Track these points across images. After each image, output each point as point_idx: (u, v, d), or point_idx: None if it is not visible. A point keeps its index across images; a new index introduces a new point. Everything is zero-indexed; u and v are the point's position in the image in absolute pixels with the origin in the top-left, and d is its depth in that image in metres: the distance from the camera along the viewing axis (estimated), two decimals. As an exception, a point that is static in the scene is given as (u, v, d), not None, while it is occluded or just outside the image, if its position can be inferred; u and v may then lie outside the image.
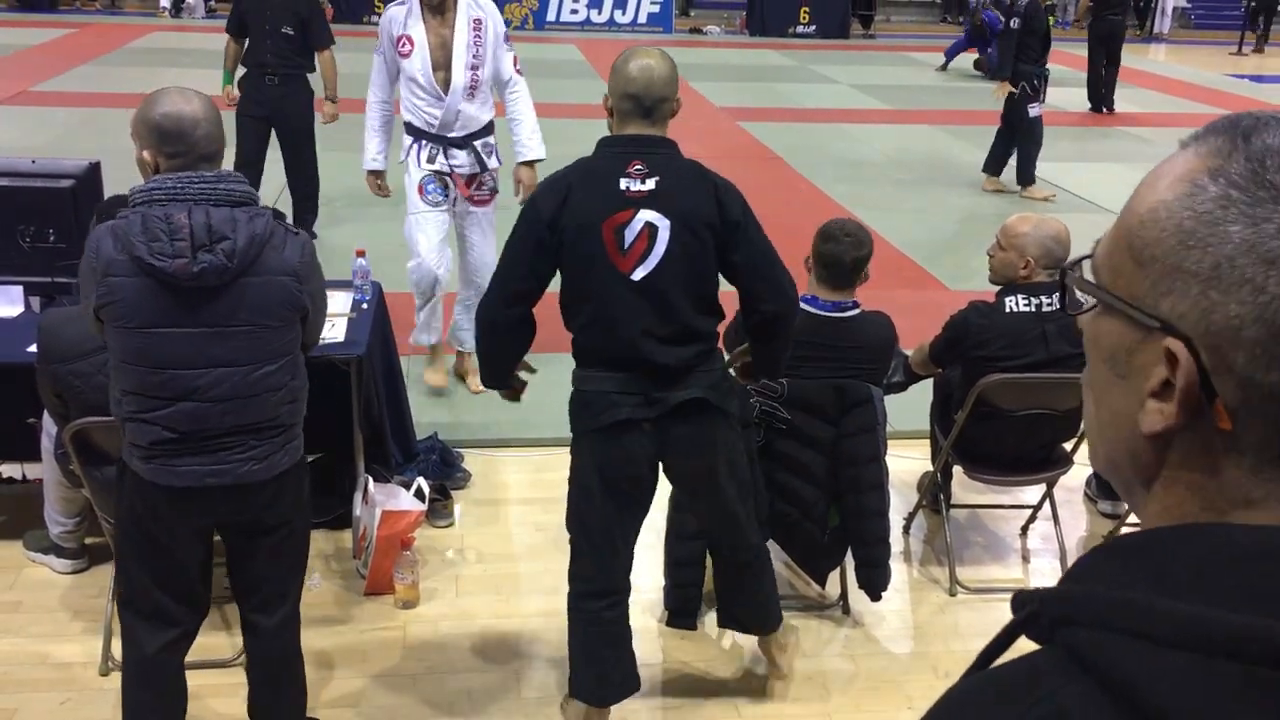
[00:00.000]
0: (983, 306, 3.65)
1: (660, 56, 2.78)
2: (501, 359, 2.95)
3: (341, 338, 3.74)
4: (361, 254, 4.15)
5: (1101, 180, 9.62)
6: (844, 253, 3.41)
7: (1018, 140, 8.73)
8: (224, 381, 2.45)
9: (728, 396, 2.88)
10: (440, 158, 4.68)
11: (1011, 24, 8.35)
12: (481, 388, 4.67)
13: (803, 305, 3.43)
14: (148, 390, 2.44)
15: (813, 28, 18.94)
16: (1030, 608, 0.72)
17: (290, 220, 6.99)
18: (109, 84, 11.75)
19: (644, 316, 2.72)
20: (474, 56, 4.60)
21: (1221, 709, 0.61)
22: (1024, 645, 0.73)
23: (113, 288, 2.38)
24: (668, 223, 2.68)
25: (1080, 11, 13.16)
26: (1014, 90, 8.44)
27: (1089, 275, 0.83)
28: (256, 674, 2.83)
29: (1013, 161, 8.89)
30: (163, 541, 2.60)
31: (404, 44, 4.63)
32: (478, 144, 4.70)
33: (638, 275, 2.70)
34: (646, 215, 2.68)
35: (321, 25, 6.69)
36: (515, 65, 4.75)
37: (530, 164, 4.73)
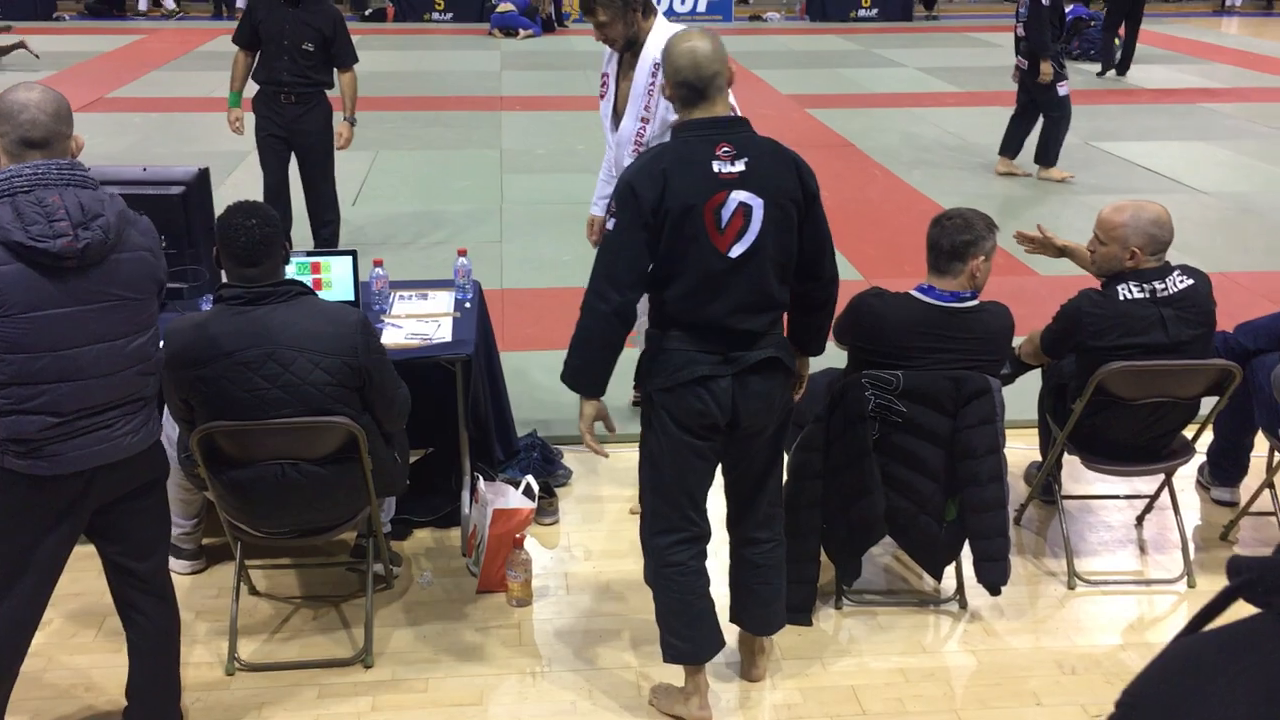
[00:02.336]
0: (1095, 295, 3.57)
1: (701, 35, 2.86)
2: (599, 357, 2.92)
3: (449, 337, 3.76)
4: (463, 253, 4.16)
5: (1187, 159, 9.42)
6: (941, 235, 3.36)
7: (1049, 121, 8.57)
8: (103, 357, 2.57)
9: (792, 357, 3.02)
10: None
11: (1044, 1, 8.20)
12: None
13: (918, 295, 3.38)
14: (28, 378, 2.50)
15: (874, 11, 18.73)
16: (1248, 575, 0.75)
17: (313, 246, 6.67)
18: (181, 89, 11.94)
19: (737, 290, 2.84)
20: (645, 108, 4.01)
21: None
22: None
23: None
24: (760, 202, 2.79)
25: None
26: (1059, 69, 8.32)
27: None
28: (143, 616, 2.92)
29: (1030, 143, 8.72)
30: (29, 540, 2.64)
31: (603, 83, 4.24)
32: None
33: (734, 253, 2.81)
34: (740, 195, 2.79)
35: (346, 43, 6.03)
36: None
37: None
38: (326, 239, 6.31)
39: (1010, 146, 8.83)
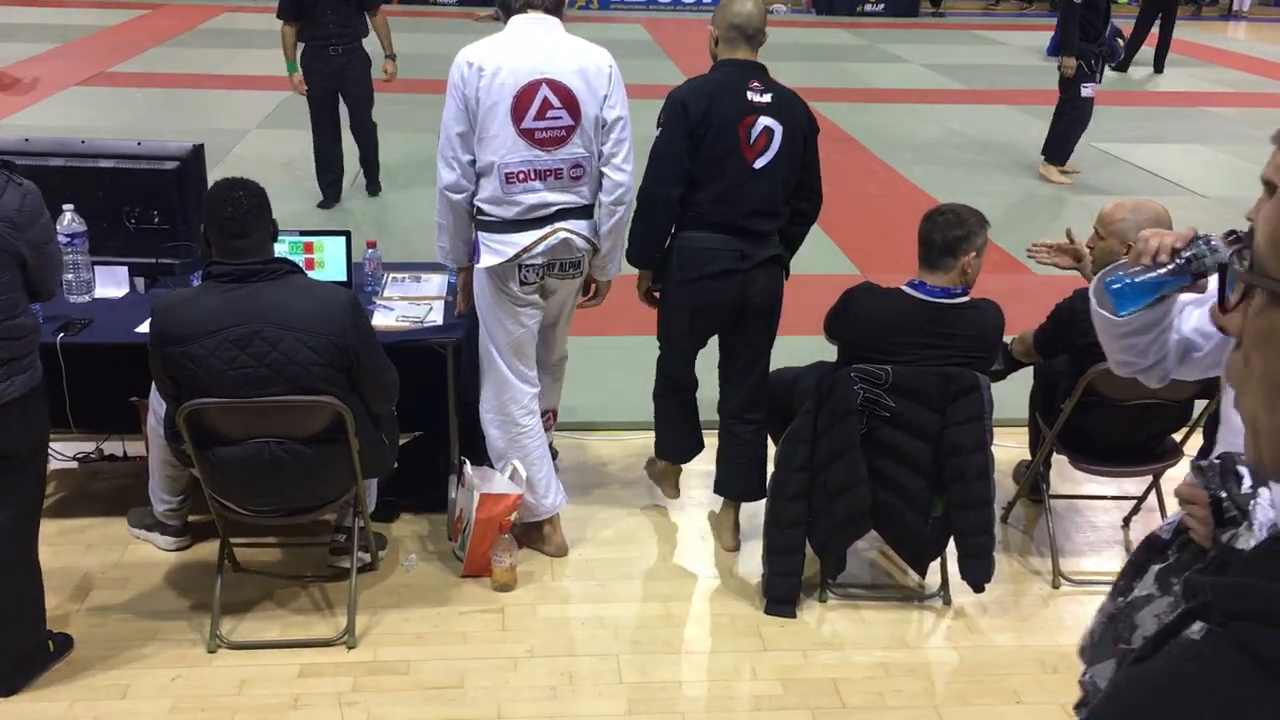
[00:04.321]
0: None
1: (760, 3, 3.58)
2: (660, 236, 3.61)
3: (440, 320, 3.75)
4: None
5: (1186, 162, 9.41)
6: (933, 230, 3.35)
7: (1064, 118, 8.53)
8: None
9: (787, 256, 3.74)
10: None
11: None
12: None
13: (909, 290, 3.38)
14: None
15: (881, 6, 18.67)
16: (1204, 597, 0.73)
17: (358, 178, 7.46)
18: (183, 65, 11.89)
19: (755, 196, 3.53)
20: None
21: None
22: None
23: None
24: (781, 127, 3.51)
25: None
26: (1082, 66, 8.26)
27: (1239, 267, 0.80)
28: None
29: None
30: None
31: None
32: None
33: (758, 164, 3.51)
34: (765, 120, 3.49)
35: None
36: None
37: None
38: (371, 162, 7.44)
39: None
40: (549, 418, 4.05)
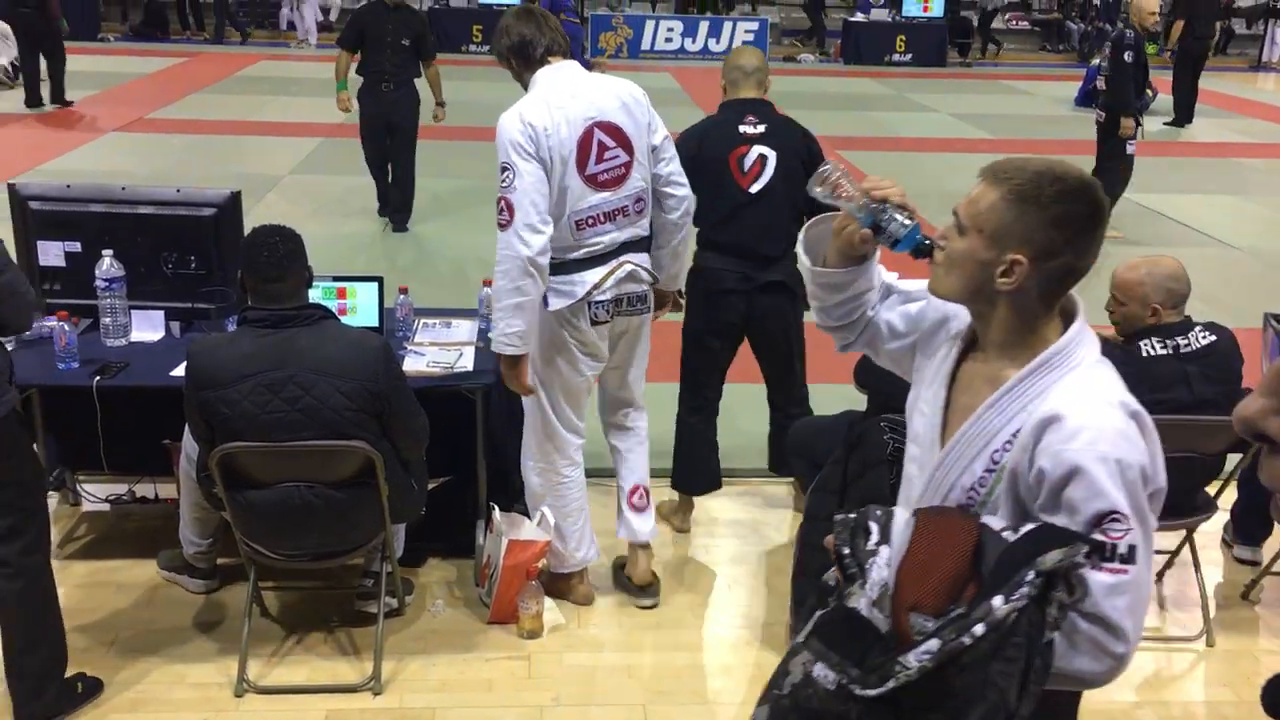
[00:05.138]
0: (1117, 352, 3.54)
1: (758, 52, 4.17)
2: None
3: (470, 366, 3.77)
4: (489, 283, 4.18)
5: (1217, 212, 9.38)
6: None
7: (1106, 177, 8.45)
8: None
9: (799, 283, 3.63)
10: None
11: (1126, 58, 8.15)
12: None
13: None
14: None
15: (909, 55, 18.80)
16: None
17: (389, 208, 7.82)
18: (220, 111, 12.11)
19: (756, 219, 3.89)
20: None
21: None
22: None
23: None
24: (774, 154, 3.88)
25: (1172, 39, 13.30)
26: (1140, 125, 8.21)
27: None
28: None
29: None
30: None
31: None
32: None
33: (754, 189, 3.88)
34: (758, 149, 3.89)
35: (431, 41, 7.84)
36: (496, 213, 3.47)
37: None
38: (403, 197, 7.97)
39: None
40: (641, 494, 3.82)
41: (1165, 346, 3.46)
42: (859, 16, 19.22)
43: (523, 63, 3.46)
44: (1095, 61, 8.45)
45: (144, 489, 4.21)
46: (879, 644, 1.64)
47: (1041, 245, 1.76)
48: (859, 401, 3.63)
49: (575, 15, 16.59)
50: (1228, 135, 13.15)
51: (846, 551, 1.74)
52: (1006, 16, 21.00)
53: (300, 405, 3.00)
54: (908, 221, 1.94)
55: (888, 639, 1.64)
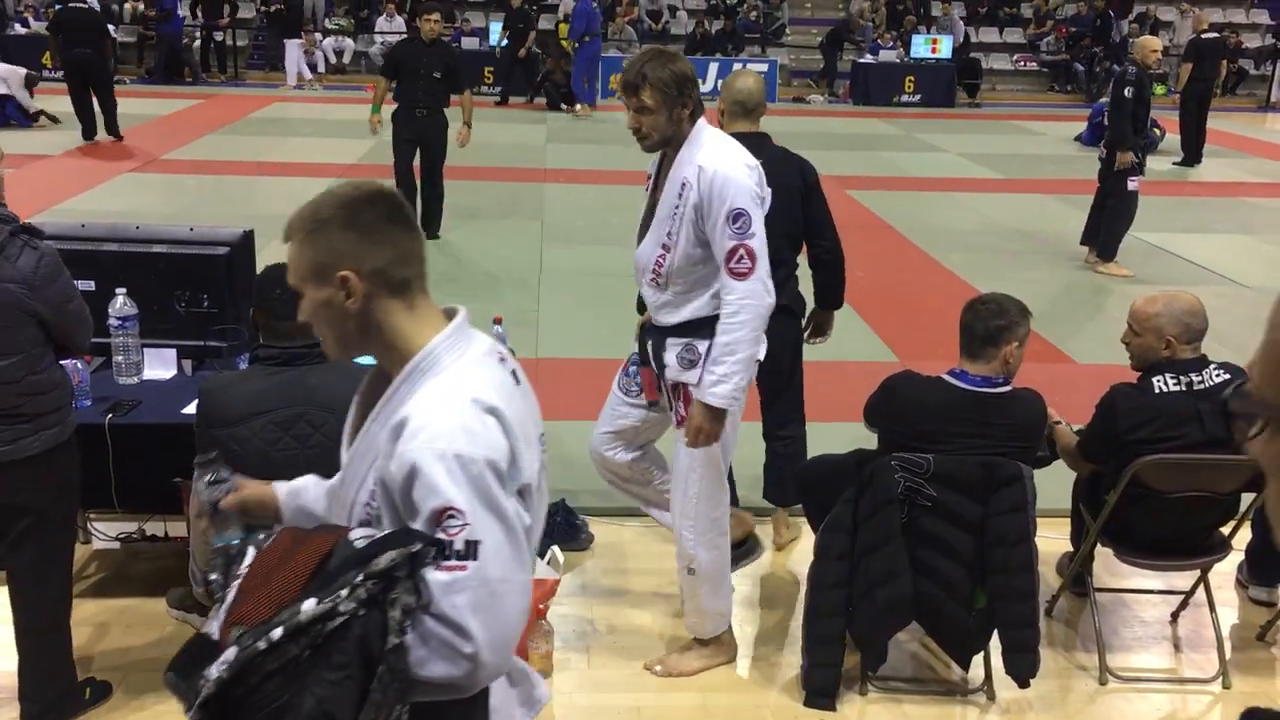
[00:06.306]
0: (1130, 390, 3.54)
1: (756, 76, 4.24)
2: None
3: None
4: (499, 320, 4.19)
5: (1227, 252, 9.37)
6: (975, 320, 3.36)
7: (1109, 214, 8.49)
8: None
9: (801, 306, 4.19)
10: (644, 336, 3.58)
11: (1126, 93, 8.20)
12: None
13: (950, 379, 3.37)
14: None
15: (917, 96, 18.91)
16: None
17: (420, 217, 8.32)
18: (233, 152, 12.22)
19: None
20: (667, 234, 3.28)
21: None
22: None
23: None
24: (769, 190, 3.46)
25: (1181, 81, 13.42)
26: (1137, 161, 8.26)
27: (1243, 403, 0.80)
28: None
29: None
30: None
31: (647, 185, 3.54)
32: (672, 343, 3.37)
33: None
34: None
35: (463, 72, 8.62)
36: (731, 261, 3.16)
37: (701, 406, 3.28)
38: (436, 214, 8.71)
39: (1093, 235, 8.75)
40: None
41: (1179, 383, 3.46)
42: (868, 58, 19.37)
43: (697, 108, 3.28)
44: (1102, 100, 8.48)
45: (154, 527, 4.21)
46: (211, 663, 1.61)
47: (349, 253, 1.77)
48: (865, 439, 3.62)
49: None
50: (1237, 175, 13.16)
51: (215, 577, 1.74)
52: (1015, 57, 21.15)
53: (311, 443, 3.00)
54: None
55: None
